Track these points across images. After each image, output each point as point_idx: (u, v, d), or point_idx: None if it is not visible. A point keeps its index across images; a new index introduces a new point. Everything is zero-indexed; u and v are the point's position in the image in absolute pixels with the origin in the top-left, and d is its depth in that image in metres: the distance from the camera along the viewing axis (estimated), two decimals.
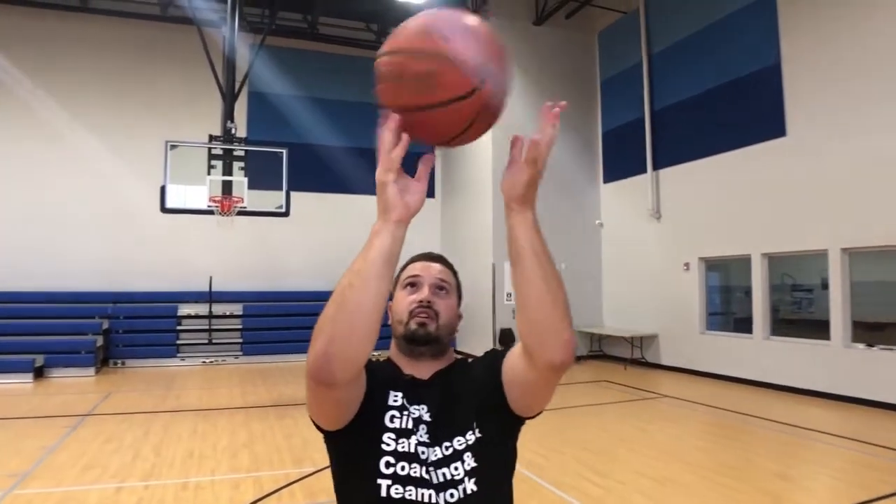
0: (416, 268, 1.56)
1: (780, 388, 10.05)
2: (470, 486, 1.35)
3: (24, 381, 11.36)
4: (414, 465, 1.35)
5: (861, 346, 9.09)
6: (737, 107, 11.13)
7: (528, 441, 7.04)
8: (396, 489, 1.32)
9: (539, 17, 14.55)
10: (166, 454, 6.66)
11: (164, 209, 9.48)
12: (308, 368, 1.19)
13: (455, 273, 1.62)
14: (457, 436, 1.40)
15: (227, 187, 9.65)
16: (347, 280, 1.18)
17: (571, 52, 15.05)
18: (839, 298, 9.32)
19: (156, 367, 13.33)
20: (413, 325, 1.47)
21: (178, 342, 13.99)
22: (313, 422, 1.38)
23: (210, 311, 14.25)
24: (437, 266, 1.57)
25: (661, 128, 13.10)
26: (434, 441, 1.39)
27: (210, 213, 9.58)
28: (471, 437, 1.40)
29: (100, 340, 12.90)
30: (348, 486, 1.41)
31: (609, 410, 9.23)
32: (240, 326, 14.50)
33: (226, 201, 9.33)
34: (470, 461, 1.38)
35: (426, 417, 1.41)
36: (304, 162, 13.68)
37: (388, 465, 1.34)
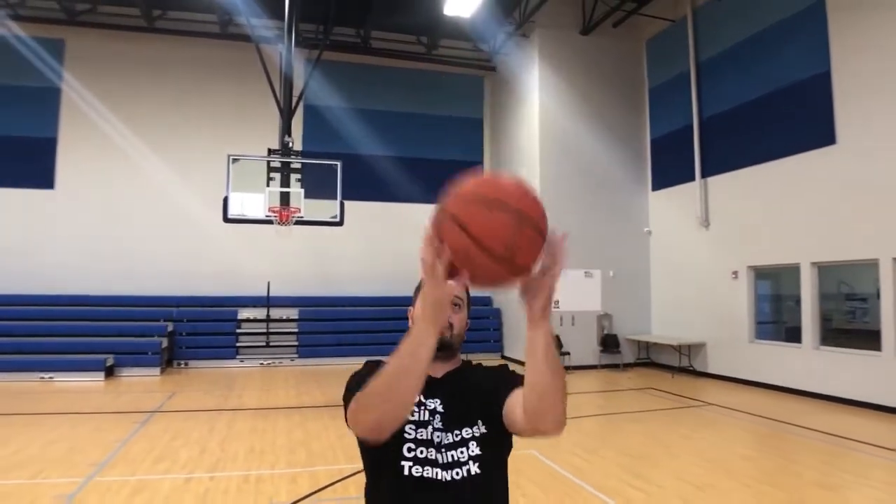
0: None
1: (830, 399, 9.95)
2: (473, 468, 1.68)
3: (96, 380, 12.11)
4: (430, 449, 1.68)
5: None
6: (786, 114, 11.07)
7: (571, 445, 7.30)
8: (416, 469, 1.66)
9: (586, 27, 14.70)
10: (229, 449, 7.14)
11: (226, 219, 10.04)
12: (359, 433, 1.56)
13: (467, 288, 1.82)
14: (465, 426, 1.72)
15: (284, 198, 10.16)
16: (395, 370, 1.43)
17: (619, 61, 15.14)
18: (891, 308, 9.19)
19: (217, 368, 14.00)
20: None
21: (238, 345, 14.64)
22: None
23: (268, 316, 14.86)
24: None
25: (709, 135, 13.08)
26: (447, 428, 1.71)
27: (269, 222, 10.09)
28: (476, 431, 1.73)
29: (165, 342, 13.63)
30: (378, 468, 1.74)
31: (654, 417, 9.32)
32: (296, 330, 15.07)
33: (284, 212, 9.83)
34: (475, 449, 1.70)
35: (439, 409, 1.74)
36: (356, 172, 14.18)
37: (409, 450, 1.68)
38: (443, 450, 1.69)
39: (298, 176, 10.36)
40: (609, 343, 14.13)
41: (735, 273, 12.19)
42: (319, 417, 8.94)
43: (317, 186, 10.66)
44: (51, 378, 11.92)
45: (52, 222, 14.49)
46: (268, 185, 10.09)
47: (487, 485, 1.70)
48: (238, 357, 14.44)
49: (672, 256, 14.19)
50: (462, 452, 1.69)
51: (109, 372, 12.51)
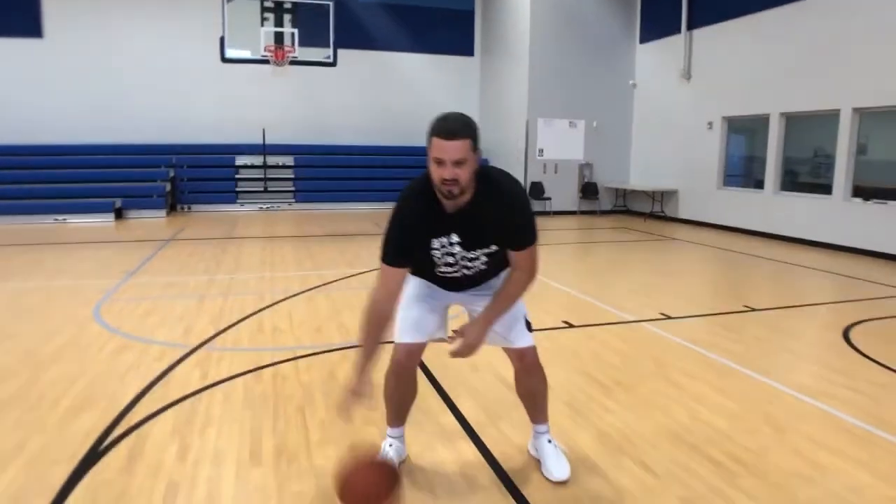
0: (439, 148, 2.03)
1: (787, 239, 10.91)
2: (481, 266, 2.35)
3: (106, 221, 12.84)
4: (453, 262, 2.33)
5: (859, 200, 9.84)
6: None
7: (550, 263, 8.24)
8: (443, 272, 2.39)
9: None
10: (243, 261, 8.09)
11: (223, 59, 10.39)
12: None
13: (470, 134, 2.06)
14: (483, 248, 2.29)
15: (279, 38, 10.48)
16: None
17: None
18: (845, 154, 9.94)
19: (218, 211, 14.76)
20: (444, 191, 2.09)
21: (237, 189, 15.35)
22: None
23: (265, 162, 15.46)
24: (454, 145, 2.02)
25: None
26: (467, 248, 2.28)
27: (265, 62, 10.48)
28: (489, 249, 2.30)
29: (168, 186, 14.32)
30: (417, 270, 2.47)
31: (622, 246, 10.31)
32: (292, 176, 15.76)
33: (279, 50, 10.20)
34: (484, 259, 2.33)
35: (457, 239, 2.26)
36: (346, 19, 14.20)
37: (438, 267, 2.36)
38: (462, 260, 2.32)
39: (290, 16, 10.61)
40: (588, 190, 14.98)
41: (710, 123, 12.81)
42: (321, 242, 9.87)
43: (309, 35, 10.94)
44: (64, 220, 12.63)
45: (44, 73, 14.53)
46: (262, 25, 10.37)
47: (491, 271, 2.41)
48: (238, 201, 15.15)
49: (653, 108, 14.70)
50: (475, 261, 2.33)
51: (118, 214, 13.23)
